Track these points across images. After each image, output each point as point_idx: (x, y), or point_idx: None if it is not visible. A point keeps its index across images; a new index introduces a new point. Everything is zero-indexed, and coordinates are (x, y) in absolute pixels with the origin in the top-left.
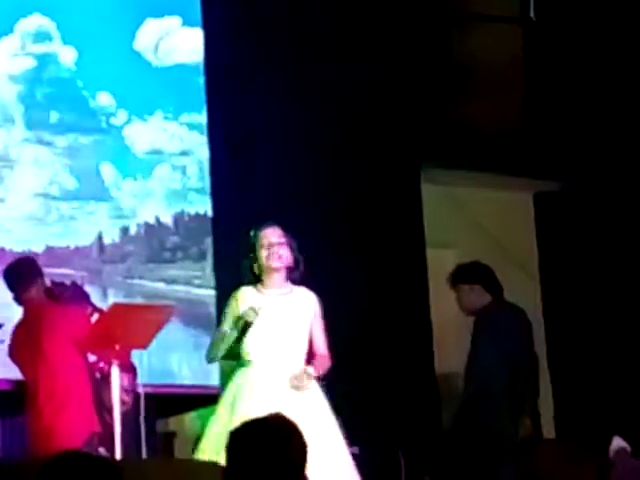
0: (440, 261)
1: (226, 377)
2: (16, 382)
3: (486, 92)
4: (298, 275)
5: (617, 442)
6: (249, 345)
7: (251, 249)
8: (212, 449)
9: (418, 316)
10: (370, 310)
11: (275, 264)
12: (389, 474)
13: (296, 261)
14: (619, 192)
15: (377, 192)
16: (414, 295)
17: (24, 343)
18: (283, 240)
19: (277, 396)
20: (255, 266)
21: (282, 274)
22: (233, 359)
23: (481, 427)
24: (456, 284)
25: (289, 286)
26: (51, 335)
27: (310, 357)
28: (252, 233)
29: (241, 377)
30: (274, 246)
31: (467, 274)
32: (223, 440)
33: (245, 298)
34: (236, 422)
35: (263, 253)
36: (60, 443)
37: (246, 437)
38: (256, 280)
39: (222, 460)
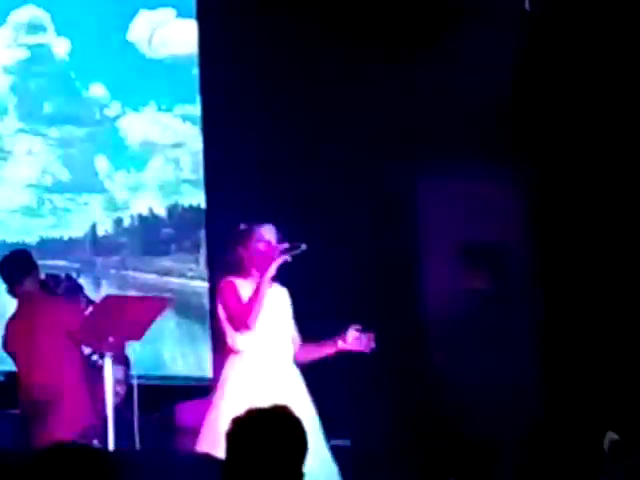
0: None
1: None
2: (9, 374)
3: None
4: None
5: (611, 436)
6: (229, 337)
7: (242, 242)
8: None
9: (410, 309)
10: (362, 304)
11: (270, 261)
12: (379, 467)
13: None
14: (606, 185)
15: (371, 185)
16: (407, 287)
17: (18, 336)
18: (276, 238)
19: (264, 386)
20: (245, 257)
21: None
22: None
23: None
24: (471, 266)
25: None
26: (46, 328)
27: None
28: (243, 227)
29: (233, 367)
30: (273, 244)
31: (485, 257)
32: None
33: (242, 288)
34: (226, 412)
35: (262, 248)
36: (54, 435)
37: (249, 426)
38: (238, 271)
39: (218, 450)
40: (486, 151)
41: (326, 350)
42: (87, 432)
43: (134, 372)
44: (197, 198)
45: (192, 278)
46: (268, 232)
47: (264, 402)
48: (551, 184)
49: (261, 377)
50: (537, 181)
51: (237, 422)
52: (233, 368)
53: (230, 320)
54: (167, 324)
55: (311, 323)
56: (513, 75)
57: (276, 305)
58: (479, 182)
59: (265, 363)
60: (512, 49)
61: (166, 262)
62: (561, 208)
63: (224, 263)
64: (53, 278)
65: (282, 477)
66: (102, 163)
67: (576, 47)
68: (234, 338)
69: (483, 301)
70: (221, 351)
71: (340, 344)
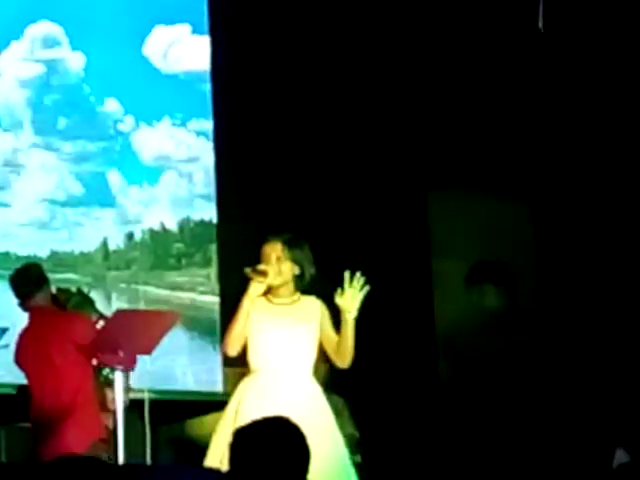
0: (445, 271)
1: (231, 385)
2: (21, 387)
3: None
4: (303, 285)
5: (620, 454)
6: (255, 353)
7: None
8: (217, 457)
9: (422, 326)
10: (375, 320)
11: (274, 281)
12: None
13: (301, 271)
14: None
15: (383, 200)
16: (419, 305)
17: (30, 349)
18: (281, 255)
19: (281, 404)
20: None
21: (288, 285)
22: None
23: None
24: (482, 283)
25: (296, 295)
26: (57, 342)
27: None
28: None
29: (246, 385)
30: (274, 262)
31: (495, 274)
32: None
33: (256, 307)
34: (231, 428)
35: (268, 267)
36: (65, 449)
37: (250, 437)
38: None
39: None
40: (495, 170)
41: (345, 329)
42: (97, 446)
43: (144, 386)
44: (209, 213)
45: (203, 293)
46: (269, 248)
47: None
48: (559, 203)
49: (271, 395)
50: (546, 199)
51: (239, 432)
52: (242, 385)
53: None
54: (178, 339)
55: None
56: (525, 94)
57: (298, 321)
58: (489, 200)
59: (281, 380)
60: (525, 68)
61: (177, 277)
62: (569, 225)
63: None
64: (64, 292)
65: None
66: (115, 177)
67: (589, 67)
68: (250, 354)
69: (493, 318)
70: (232, 366)
71: (345, 316)
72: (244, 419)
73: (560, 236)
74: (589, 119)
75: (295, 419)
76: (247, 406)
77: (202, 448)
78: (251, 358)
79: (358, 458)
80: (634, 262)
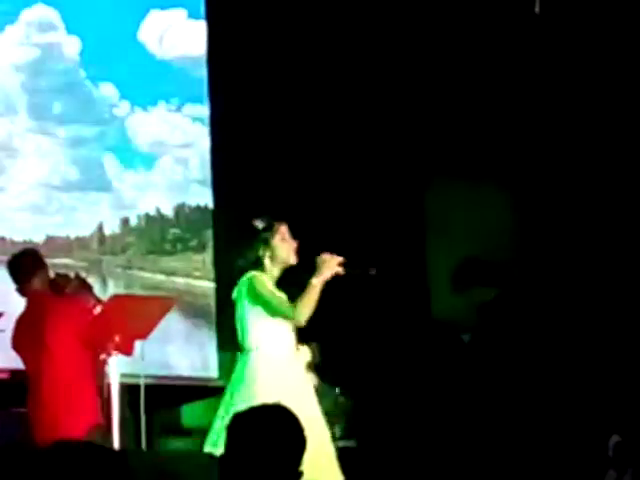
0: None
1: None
2: (16, 372)
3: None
4: None
5: (616, 440)
6: (251, 334)
7: (265, 239)
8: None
9: (419, 318)
10: (370, 314)
11: (293, 260)
12: (385, 468)
13: None
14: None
15: (379, 191)
16: (415, 298)
17: (27, 334)
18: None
19: (277, 384)
20: (267, 255)
21: None
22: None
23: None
24: (470, 287)
25: None
26: (54, 327)
27: None
28: (265, 223)
29: (242, 366)
30: (293, 243)
31: (485, 276)
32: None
33: (268, 283)
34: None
35: (284, 246)
36: (62, 434)
37: (247, 422)
38: (256, 266)
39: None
40: (488, 164)
41: (308, 294)
42: (94, 432)
43: (139, 371)
44: (204, 198)
45: (198, 278)
46: (287, 229)
47: (273, 399)
48: (546, 194)
49: (274, 374)
50: (533, 189)
51: (237, 417)
52: (244, 366)
53: (267, 307)
54: (173, 324)
55: None
56: (522, 80)
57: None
58: (482, 195)
59: (279, 360)
60: (521, 53)
61: (173, 262)
62: (559, 220)
63: (239, 258)
64: (62, 278)
65: (278, 474)
66: (110, 162)
67: (585, 51)
68: (246, 336)
69: (486, 314)
70: (227, 351)
71: (314, 280)
72: (241, 400)
73: (545, 227)
74: (579, 111)
75: (289, 399)
76: (243, 387)
77: (196, 433)
78: (245, 338)
79: (353, 443)
80: (622, 254)
